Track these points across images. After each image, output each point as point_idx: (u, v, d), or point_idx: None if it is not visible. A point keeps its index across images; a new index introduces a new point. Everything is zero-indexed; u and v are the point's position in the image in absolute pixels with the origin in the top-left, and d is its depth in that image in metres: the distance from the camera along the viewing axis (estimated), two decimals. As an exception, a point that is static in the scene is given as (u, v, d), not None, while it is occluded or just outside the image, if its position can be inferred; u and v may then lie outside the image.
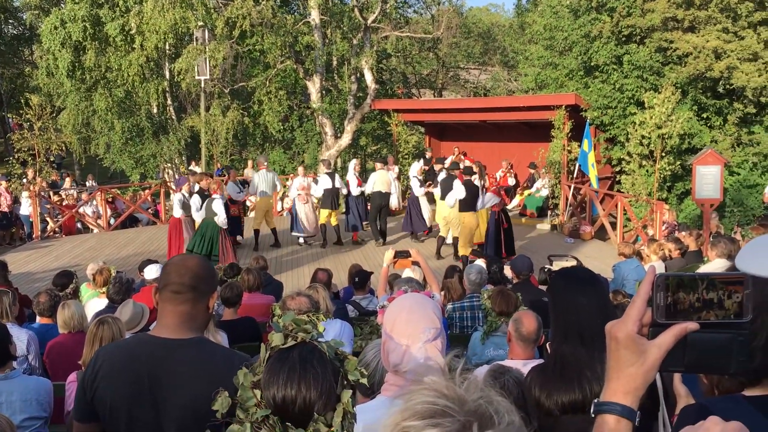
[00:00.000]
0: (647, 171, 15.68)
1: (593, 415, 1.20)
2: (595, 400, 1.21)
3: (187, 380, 2.08)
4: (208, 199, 11.35)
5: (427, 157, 18.35)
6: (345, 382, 1.77)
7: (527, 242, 14.50)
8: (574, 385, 2.37)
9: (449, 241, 12.77)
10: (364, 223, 14.47)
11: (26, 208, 16.16)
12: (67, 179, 19.61)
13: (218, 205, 11.09)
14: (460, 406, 0.93)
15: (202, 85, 19.87)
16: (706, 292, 1.11)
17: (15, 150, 21.10)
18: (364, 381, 1.81)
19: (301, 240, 14.28)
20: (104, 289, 6.52)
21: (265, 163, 14.62)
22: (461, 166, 12.75)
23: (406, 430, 0.92)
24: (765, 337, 1.41)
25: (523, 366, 3.06)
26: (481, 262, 7.43)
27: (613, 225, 14.73)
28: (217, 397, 1.81)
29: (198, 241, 11.12)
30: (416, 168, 15.01)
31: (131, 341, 2.35)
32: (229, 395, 1.81)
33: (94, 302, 6.56)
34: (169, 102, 24.07)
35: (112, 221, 17.32)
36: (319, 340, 1.80)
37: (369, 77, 20.30)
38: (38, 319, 5.77)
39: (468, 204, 11.73)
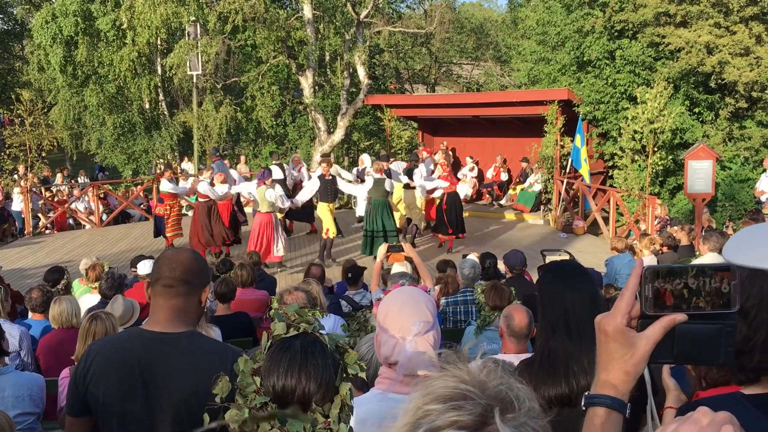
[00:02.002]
0: (639, 166, 15.73)
1: (584, 408, 1.21)
2: (586, 393, 1.22)
3: (180, 374, 2.08)
4: (376, 179, 11.83)
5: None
6: (345, 375, 1.78)
7: (520, 237, 14.53)
8: (561, 379, 2.38)
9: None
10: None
11: (18, 204, 16.09)
12: (58, 175, 19.52)
13: (389, 184, 11.93)
14: (481, 391, 0.93)
15: (195, 81, 19.81)
16: (694, 280, 1.12)
17: (6, 146, 21.01)
18: (363, 375, 1.82)
19: None
20: (96, 285, 6.51)
21: (217, 154, 14.96)
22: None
23: (428, 413, 0.91)
24: (765, 335, 1.42)
25: (516, 360, 3.07)
26: (474, 257, 7.45)
27: (606, 220, 14.78)
28: (218, 382, 1.82)
29: (377, 221, 11.69)
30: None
31: (123, 336, 2.34)
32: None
33: (86, 298, 6.54)
34: (161, 97, 23.97)
35: (104, 217, 17.26)
36: (321, 332, 1.81)
37: (362, 72, 20.27)
38: (30, 315, 5.76)
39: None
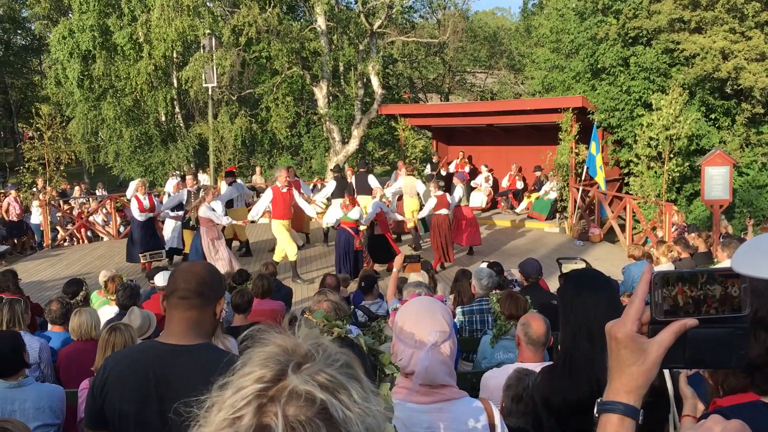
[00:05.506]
0: (656, 173, 15.64)
1: (597, 415, 1.21)
2: (599, 400, 1.22)
3: (194, 386, 2.09)
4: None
5: (433, 161, 18.37)
6: (383, 375, 1.78)
7: (536, 245, 14.48)
8: (583, 385, 2.38)
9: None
10: None
11: (36, 217, 16.28)
12: (76, 188, 19.71)
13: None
14: (291, 353, 0.96)
15: (210, 93, 19.96)
16: (705, 287, 1.12)
17: (25, 160, 21.28)
18: (399, 375, 1.82)
19: None
20: (115, 296, 6.57)
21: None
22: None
23: (246, 377, 0.95)
24: None
25: (537, 368, 3.07)
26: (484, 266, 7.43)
27: (622, 227, 14.68)
28: None
29: None
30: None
31: (139, 348, 2.37)
32: None
33: (105, 309, 6.60)
34: (177, 110, 24.21)
35: (121, 229, 17.38)
36: (348, 335, 1.82)
37: (375, 82, 20.34)
38: (50, 327, 5.81)
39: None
